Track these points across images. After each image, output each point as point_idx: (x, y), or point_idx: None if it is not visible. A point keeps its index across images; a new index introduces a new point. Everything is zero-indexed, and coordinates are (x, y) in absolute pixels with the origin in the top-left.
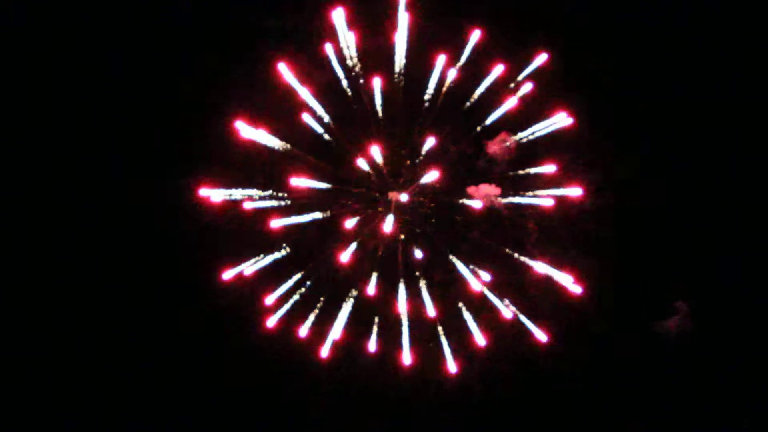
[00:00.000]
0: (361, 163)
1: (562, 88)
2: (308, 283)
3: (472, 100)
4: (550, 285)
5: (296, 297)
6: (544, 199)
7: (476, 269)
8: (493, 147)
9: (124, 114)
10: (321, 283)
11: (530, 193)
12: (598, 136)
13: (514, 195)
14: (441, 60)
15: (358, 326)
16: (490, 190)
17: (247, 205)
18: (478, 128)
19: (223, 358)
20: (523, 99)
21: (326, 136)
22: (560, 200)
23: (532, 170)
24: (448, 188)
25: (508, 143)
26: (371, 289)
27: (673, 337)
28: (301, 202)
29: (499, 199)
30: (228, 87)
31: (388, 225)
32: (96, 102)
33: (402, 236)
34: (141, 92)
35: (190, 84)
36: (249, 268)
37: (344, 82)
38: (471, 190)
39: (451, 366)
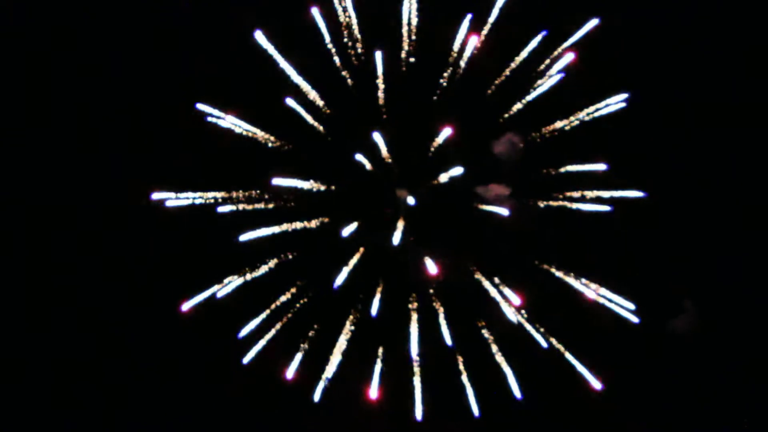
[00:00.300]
0: (361, 158)
1: (616, 65)
2: (295, 308)
3: (501, 78)
4: (600, 312)
5: (279, 326)
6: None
7: (505, 289)
8: (500, 148)
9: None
10: (311, 310)
11: (573, 195)
12: (655, 127)
13: (553, 198)
14: (463, 27)
15: (356, 364)
16: (500, 190)
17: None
18: (506, 115)
19: (185, 410)
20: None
21: (316, 125)
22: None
23: (580, 168)
24: (466, 188)
25: (521, 144)
26: (374, 311)
27: (676, 337)
28: (286, 206)
29: (533, 202)
30: (190, 62)
31: (397, 233)
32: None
33: (410, 239)
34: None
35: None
36: (220, 291)
37: (338, 56)
38: (481, 190)
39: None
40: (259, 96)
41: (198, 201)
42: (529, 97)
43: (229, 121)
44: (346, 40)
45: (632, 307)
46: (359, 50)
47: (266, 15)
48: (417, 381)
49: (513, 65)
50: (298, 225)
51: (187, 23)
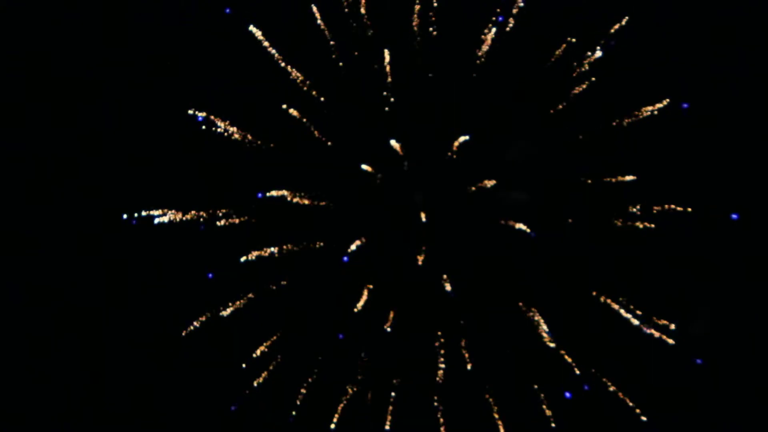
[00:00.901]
0: (367, 167)
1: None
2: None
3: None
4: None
5: (278, 362)
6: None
7: (538, 318)
8: (524, 155)
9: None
10: (315, 344)
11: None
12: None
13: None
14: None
15: (366, 401)
16: (526, 202)
17: (201, 231)
18: (538, 116)
19: None
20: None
21: (315, 131)
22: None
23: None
24: (488, 201)
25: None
26: (388, 333)
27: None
28: (283, 223)
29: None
30: (171, 62)
31: (419, 252)
32: None
33: (424, 257)
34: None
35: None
36: (206, 323)
37: (336, 49)
38: (505, 202)
39: None
40: (251, 99)
41: (175, 218)
42: (566, 99)
43: (215, 126)
44: (352, 26)
45: (673, 327)
46: (367, 31)
47: (264, 13)
48: (438, 415)
49: (551, 59)
50: (293, 247)
51: (176, 21)
